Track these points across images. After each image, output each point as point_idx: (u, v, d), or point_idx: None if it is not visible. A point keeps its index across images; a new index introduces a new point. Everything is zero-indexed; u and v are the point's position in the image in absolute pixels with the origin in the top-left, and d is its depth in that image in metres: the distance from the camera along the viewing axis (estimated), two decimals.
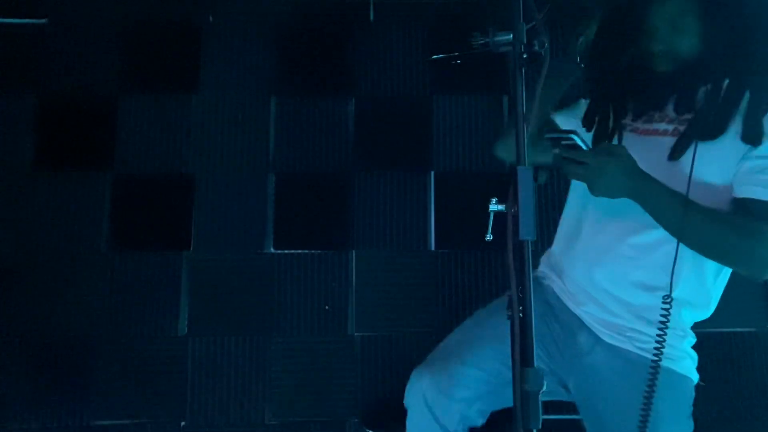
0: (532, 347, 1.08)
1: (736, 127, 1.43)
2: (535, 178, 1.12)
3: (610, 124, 1.59)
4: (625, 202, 1.42)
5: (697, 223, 1.37)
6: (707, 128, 1.42)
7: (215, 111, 2.60)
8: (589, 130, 1.63)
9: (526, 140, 1.14)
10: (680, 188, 1.38)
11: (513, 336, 1.09)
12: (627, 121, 1.60)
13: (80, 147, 2.57)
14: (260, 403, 2.41)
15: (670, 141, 1.48)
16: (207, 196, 2.54)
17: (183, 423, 2.39)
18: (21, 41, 2.61)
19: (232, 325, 2.46)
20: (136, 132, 2.58)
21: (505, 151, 1.78)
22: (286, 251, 2.52)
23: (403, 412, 1.70)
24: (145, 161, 2.56)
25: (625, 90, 1.59)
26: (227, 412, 2.40)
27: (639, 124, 1.57)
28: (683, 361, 1.52)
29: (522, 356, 1.08)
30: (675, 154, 1.45)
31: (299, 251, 2.52)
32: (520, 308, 1.10)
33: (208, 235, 2.52)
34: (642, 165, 1.41)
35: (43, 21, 2.63)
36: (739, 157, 1.42)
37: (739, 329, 2.48)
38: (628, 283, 1.54)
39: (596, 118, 1.63)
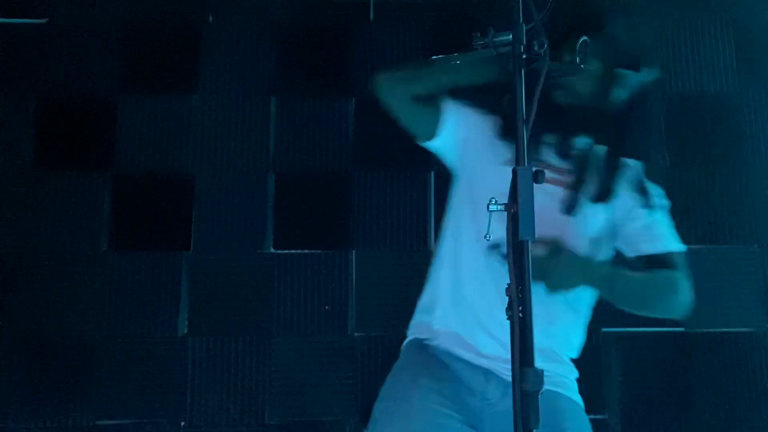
0: (532, 347, 1.09)
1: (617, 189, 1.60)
2: (536, 179, 1.12)
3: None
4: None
5: (632, 288, 1.57)
6: (596, 191, 1.57)
7: (215, 111, 2.60)
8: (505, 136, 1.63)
9: (525, 141, 1.15)
10: (574, 240, 1.51)
11: (513, 336, 1.09)
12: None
13: (80, 147, 2.57)
14: (260, 403, 2.41)
15: (554, 189, 1.56)
16: (207, 196, 2.54)
17: (183, 423, 2.39)
18: (21, 41, 2.61)
19: (232, 325, 2.46)
20: (136, 132, 2.58)
21: (389, 85, 1.66)
22: (286, 251, 2.52)
23: None
24: (145, 161, 2.56)
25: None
26: (227, 412, 2.40)
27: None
28: (577, 391, 1.61)
29: (522, 356, 1.08)
30: (570, 210, 1.57)
31: (299, 251, 2.52)
32: (520, 308, 1.10)
33: (208, 235, 2.52)
34: (539, 213, 1.46)
35: (43, 21, 2.63)
36: (622, 216, 1.61)
37: (739, 329, 2.48)
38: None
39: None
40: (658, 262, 1.61)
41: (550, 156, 1.62)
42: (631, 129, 1.62)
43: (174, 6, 2.66)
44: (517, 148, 1.15)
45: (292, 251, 2.52)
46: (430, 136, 1.70)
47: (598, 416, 2.38)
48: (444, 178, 2.56)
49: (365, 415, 2.43)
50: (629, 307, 1.65)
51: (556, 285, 1.43)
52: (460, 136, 1.69)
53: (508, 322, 1.49)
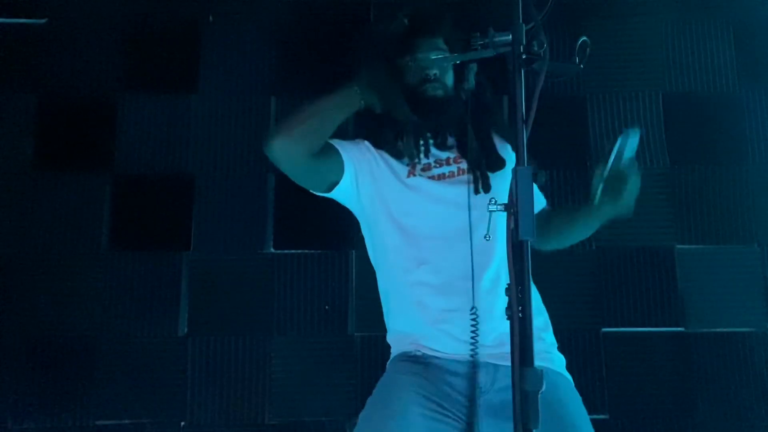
0: (532, 347, 1.09)
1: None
2: (535, 179, 1.13)
3: (420, 151, 1.70)
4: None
5: None
6: (491, 163, 1.68)
7: (215, 111, 2.60)
8: (397, 156, 1.71)
9: (525, 142, 1.15)
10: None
11: (513, 336, 1.09)
12: (418, 172, 1.68)
13: (80, 147, 2.57)
14: (260, 403, 2.41)
15: (459, 178, 1.66)
16: (207, 196, 2.54)
17: (183, 423, 2.39)
18: (21, 41, 2.61)
19: (232, 325, 2.46)
20: (136, 132, 2.58)
21: (286, 153, 1.63)
22: (286, 251, 2.52)
23: None
24: (145, 161, 2.56)
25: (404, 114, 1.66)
26: (227, 412, 2.40)
27: (427, 173, 1.68)
28: (564, 366, 1.63)
29: (522, 356, 1.08)
30: (485, 188, 1.64)
31: (299, 251, 2.52)
32: (520, 308, 1.10)
33: (208, 235, 2.52)
34: (457, 204, 1.61)
35: (43, 21, 2.63)
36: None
37: (739, 329, 2.48)
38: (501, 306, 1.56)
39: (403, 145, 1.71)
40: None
41: (438, 153, 1.71)
42: (484, 108, 1.74)
43: (174, 6, 2.66)
44: (517, 148, 1.15)
45: (292, 251, 2.52)
46: (335, 183, 1.71)
47: (598, 416, 2.38)
48: None
49: None
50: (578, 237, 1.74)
51: (630, 203, 1.48)
52: (363, 172, 1.71)
53: (468, 319, 1.53)
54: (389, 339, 1.75)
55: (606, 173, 1.43)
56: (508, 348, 1.50)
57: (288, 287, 2.49)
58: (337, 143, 1.71)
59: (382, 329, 2.47)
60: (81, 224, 2.50)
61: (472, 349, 1.52)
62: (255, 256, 2.51)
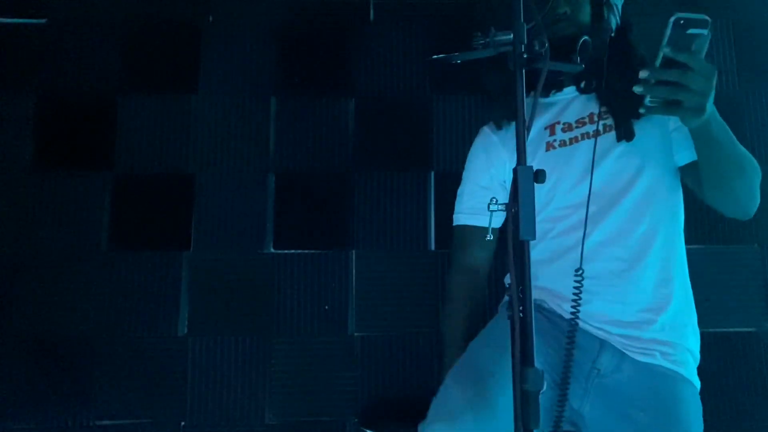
0: (532, 347, 1.08)
1: None
2: (536, 179, 1.12)
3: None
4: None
5: (729, 143, 1.44)
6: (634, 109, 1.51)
7: (215, 111, 2.60)
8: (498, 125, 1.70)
9: (524, 141, 1.14)
10: (634, 163, 1.55)
11: (513, 336, 1.09)
12: (549, 138, 1.63)
13: (80, 147, 2.57)
14: (260, 403, 2.41)
15: (607, 137, 1.58)
16: (207, 195, 2.54)
17: (183, 423, 2.39)
18: (21, 41, 2.61)
19: (232, 325, 2.46)
20: (136, 132, 2.58)
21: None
22: (286, 251, 2.52)
23: (401, 412, 1.70)
24: (145, 161, 2.56)
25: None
26: (227, 412, 2.40)
27: (562, 136, 1.62)
28: (695, 370, 1.60)
29: (522, 356, 1.08)
30: (627, 136, 1.56)
31: (299, 251, 2.52)
32: (520, 308, 1.10)
33: (208, 235, 2.52)
34: (586, 163, 1.53)
35: (43, 21, 2.63)
36: (662, 125, 1.60)
37: (739, 329, 2.49)
38: (652, 286, 1.53)
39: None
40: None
41: (580, 107, 1.65)
42: (629, 48, 1.63)
43: (174, 6, 2.66)
44: (517, 147, 1.15)
45: (292, 251, 2.52)
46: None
47: None
48: (444, 178, 2.58)
49: (362, 415, 2.44)
50: (720, 174, 1.50)
51: (703, 106, 1.33)
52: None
53: (608, 291, 1.49)
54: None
55: (650, 74, 1.25)
56: (638, 336, 1.47)
57: (288, 287, 2.49)
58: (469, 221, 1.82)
59: (382, 329, 2.48)
60: (81, 224, 2.50)
61: (572, 318, 1.42)
62: (255, 256, 2.51)
